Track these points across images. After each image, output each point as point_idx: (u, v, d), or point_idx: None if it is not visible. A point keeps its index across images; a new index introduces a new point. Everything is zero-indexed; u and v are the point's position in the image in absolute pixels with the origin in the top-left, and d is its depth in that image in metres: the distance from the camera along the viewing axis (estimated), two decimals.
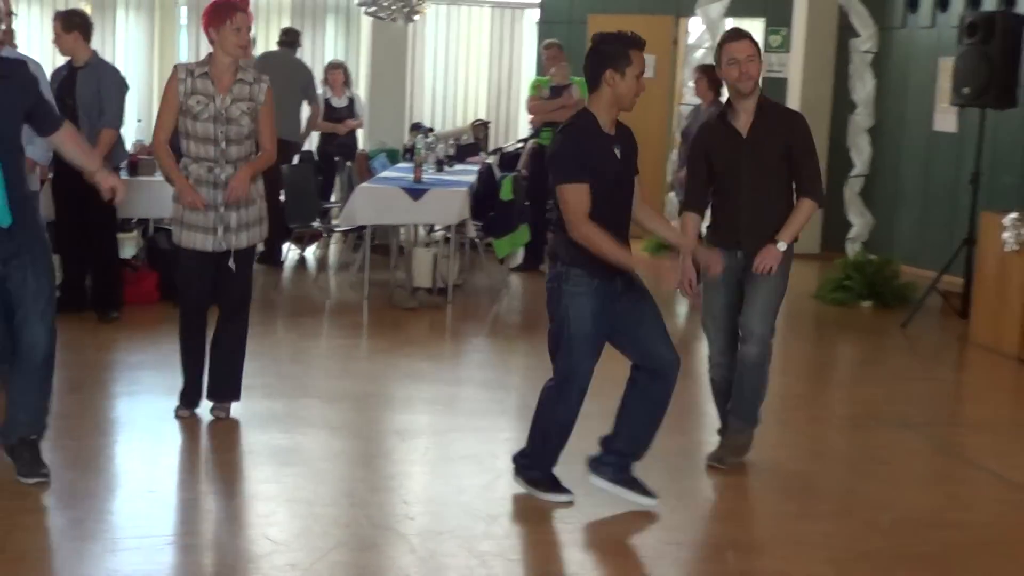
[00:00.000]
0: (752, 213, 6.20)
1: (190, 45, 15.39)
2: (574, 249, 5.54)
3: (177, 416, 6.89)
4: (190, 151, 6.65)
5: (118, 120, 9.04)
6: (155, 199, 10.29)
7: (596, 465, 5.85)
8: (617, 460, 5.81)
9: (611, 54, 5.49)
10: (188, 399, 6.95)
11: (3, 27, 5.93)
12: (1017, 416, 8.33)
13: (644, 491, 5.76)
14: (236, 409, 7.06)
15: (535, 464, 5.83)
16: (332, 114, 13.21)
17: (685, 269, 6.18)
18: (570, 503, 5.72)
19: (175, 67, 6.70)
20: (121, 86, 9.17)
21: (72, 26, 8.97)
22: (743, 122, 6.17)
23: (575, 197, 5.45)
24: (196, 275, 6.82)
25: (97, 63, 9.08)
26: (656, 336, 5.79)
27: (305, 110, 12.36)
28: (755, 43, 6.20)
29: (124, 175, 9.88)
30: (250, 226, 6.79)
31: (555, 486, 5.79)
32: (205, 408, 6.99)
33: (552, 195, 5.64)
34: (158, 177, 10.45)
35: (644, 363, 5.79)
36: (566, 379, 5.70)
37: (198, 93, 6.59)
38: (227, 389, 6.98)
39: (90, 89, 8.90)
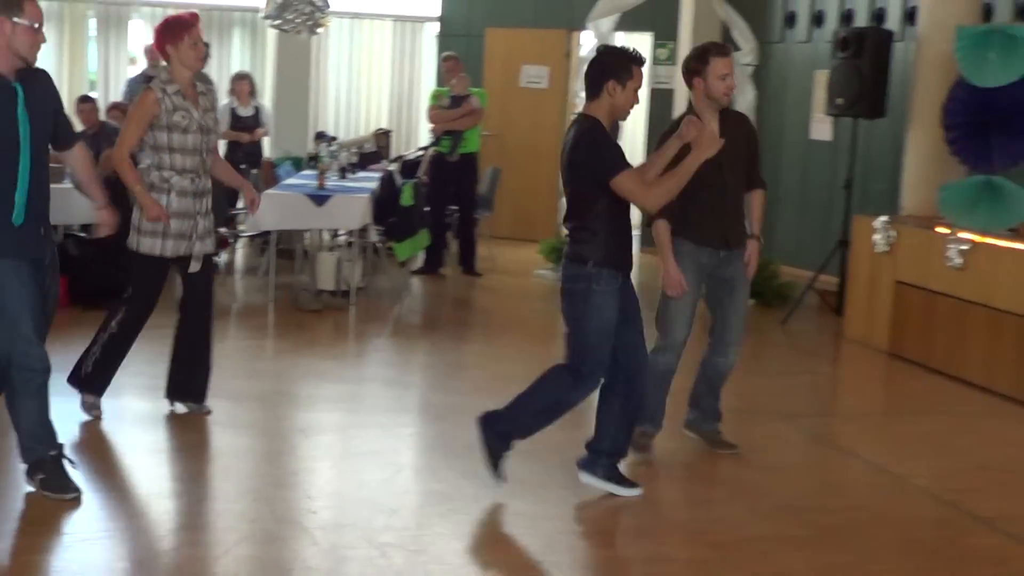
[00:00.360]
0: (735, 213, 6.45)
1: (99, 57, 15.20)
2: (604, 249, 5.66)
3: (94, 411, 6.83)
4: (175, 164, 6.60)
5: None
6: (64, 207, 10.16)
7: (586, 464, 5.97)
8: (607, 460, 5.93)
9: (614, 66, 5.65)
10: (101, 390, 6.88)
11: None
12: (887, 406, 8.50)
13: (631, 484, 5.91)
14: (146, 409, 7.00)
15: (504, 429, 5.84)
16: (238, 123, 13.09)
17: (676, 273, 6.26)
18: (502, 483, 5.80)
19: (150, 87, 6.59)
20: None
21: None
22: (714, 128, 6.26)
23: (632, 181, 5.57)
24: (159, 280, 6.82)
25: None
26: (638, 333, 5.94)
27: None
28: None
29: None
30: (211, 232, 6.87)
31: (501, 459, 5.84)
32: (116, 408, 6.93)
33: (577, 196, 5.72)
34: (67, 184, 10.35)
35: (621, 359, 5.85)
36: (591, 373, 5.77)
37: (179, 108, 6.59)
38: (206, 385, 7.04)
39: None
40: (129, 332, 6.83)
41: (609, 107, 5.68)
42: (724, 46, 6.61)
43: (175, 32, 6.59)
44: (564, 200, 5.93)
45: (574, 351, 5.76)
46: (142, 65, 13.77)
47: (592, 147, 5.61)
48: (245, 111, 13.04)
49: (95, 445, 6.56)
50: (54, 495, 5.49)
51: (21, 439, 5.57)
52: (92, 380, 6.85)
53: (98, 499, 5.74)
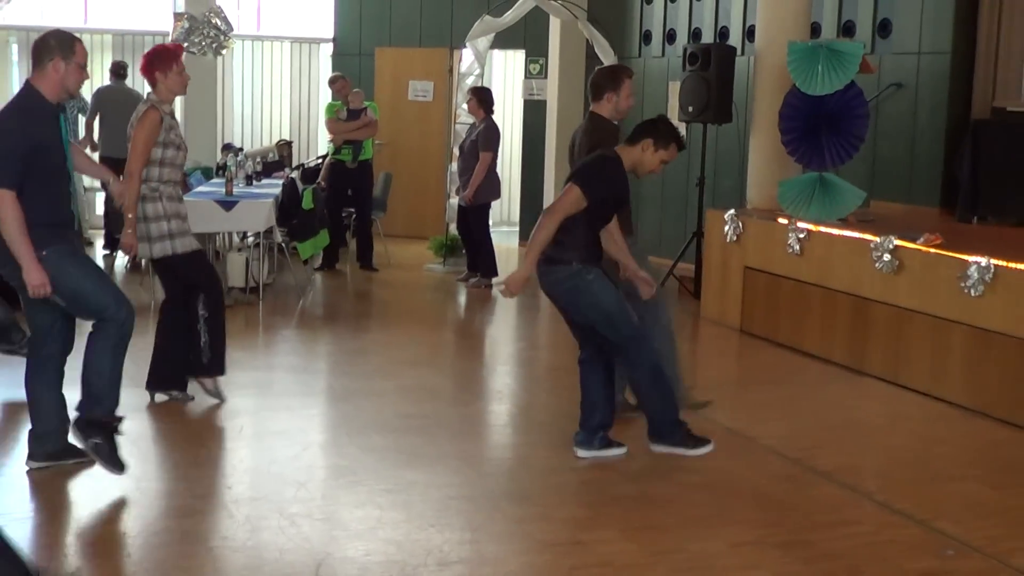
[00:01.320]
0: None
1: (20, 79, 14.83)
2: (585, 252, 5.77)
3: (221, 393, 6.98)
4: (162, 176, 6.69)
5: None
6: None
7: (583, 441, 6.07)
8: (602, 433, 6.07)
9: (661, 134, 5.92)
10: (224, 368, 7.12)
11: None
12: (739, 377, 8.62)
13: (619, 444, 6.11)
14: (70, 399, 6.84)
15: (672, 424, 5.91)
16: None
17: (642, 274, 6.20)
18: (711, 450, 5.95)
19: (156, 108, 6.63)
20: None
21: None
22: None
23: (572, 198, 5.65)
24: (204, 265, 7.03)
25: None
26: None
27: None
28: None
29: None
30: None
31: (696, 439, 5.98)
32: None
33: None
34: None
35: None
36: (635, 341, 5.82)
37: (173, 128, 6.72)
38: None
39: None
40: (220, 310, 6.97)
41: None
42: (630, 69, 6.97)
43: (166, 60, 6.75)
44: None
45: (611, 330, 5.82)
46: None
47: (596, 166, 5.83)
48: None
49: (16, 435, 6.40)
50: (105, 464, 5.49)
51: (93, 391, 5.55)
52: (213, 363, 6.98)
53: (22, 483, 5.62)
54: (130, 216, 6.55)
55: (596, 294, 5.79)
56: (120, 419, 5.64)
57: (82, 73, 5.52)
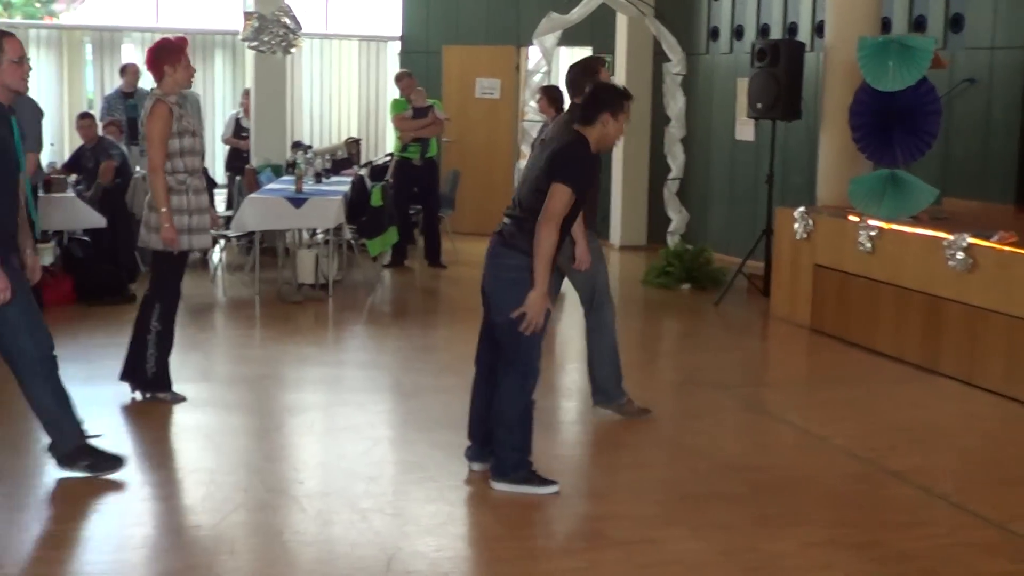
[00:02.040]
0: None
1: (95, 77, 15.06)
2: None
3: (178, 399, 6.86)
4: (187, 167, 6.68)
5: (38, 144, 8.78)
6: (68, 214, 10.10)
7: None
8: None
9: (609, 101, 5.50)
10: (168, 383, 6.94)
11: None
12: (810, 376, 8.54)
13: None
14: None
15: (519, 462, 5.50)
16: (240, 132, 13.05)
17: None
18: (556, 493, 5.49)
19: (163, 101, 6.61)
20: (36, 114, 8.91)
21: None
22: None
23: (565, 198, 5.32)
24: (182, 272, 6.90)
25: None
26: None
27: None
28: None
29: (40, 192, 9.65)
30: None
31: (541, 479, 5.53)
32: (116, 393, 6.89)
33: (543, 191, 5.36)
34: (70, 194, 10.27)
35: None
36: (530, 366, 5.48)
37: (184, 116, 6.71)
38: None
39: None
40: (171, 324, 6.87)
41: (600, 135, 5.49)
42: (603, 59, 6.67)
43: (174, 54, 6.71)
44: (520, 187, 5.72)
45: (514, 343, 5.43)
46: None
47: (576, 154, 5.44)
48: (248, 123, 12.99)
49: (99, 427, 6.51)
50: (109, 471, 5.50)
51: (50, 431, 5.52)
52: (160, 378, 6.87)
53: (107, 476, 5.71)
54: (164, 210, 6.55)
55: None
56: (92, 436, 5.62)
57: (19, 69, 5.37)
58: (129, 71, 13.19)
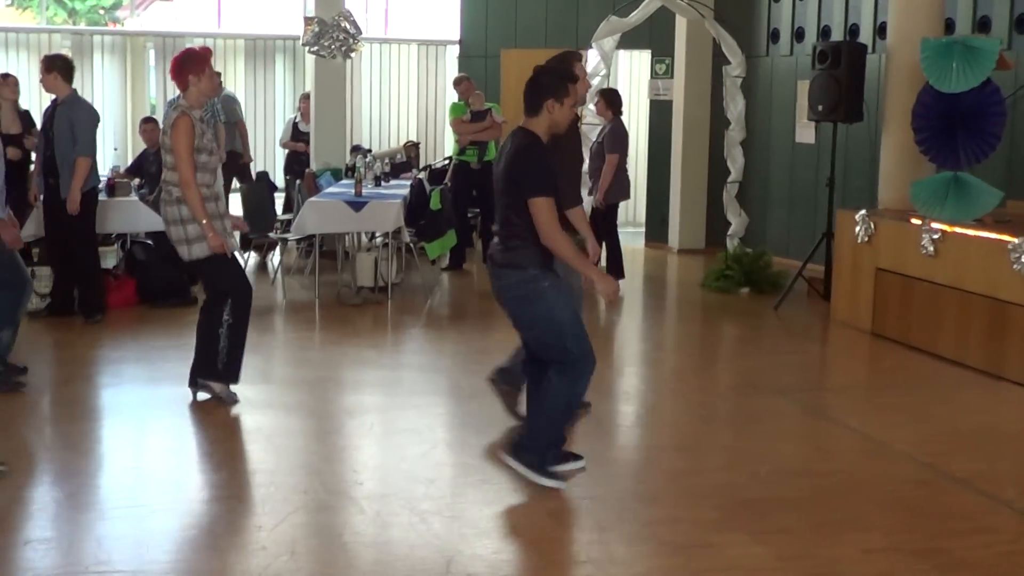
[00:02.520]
0: None
1: (158, 83, 15.25)
2: (539, 256, 5.39)
3: (234, 398, 6.92)
4: (200, 181, 6.65)
5: (90, 148, 8.91)
6: (131, 217, 10.24)
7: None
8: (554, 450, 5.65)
9: (552, 86, 5.44)
10: (238, 377, 7.01)
11: None
12: (870, 380, 8.46)
13: (576, 456, 5.75)
14: (208, 394, 7.04)
15: (541, 446, 5.54)
16: (299, 136, 13.17)
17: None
18: (583, 468, 5.63)
19: (187, 115, 6.60)
20: (92, 118, 9.05)
21: (52, 67, 8.86)
22: None
23: (548, 208, 5.28)
24: (239, 267, 7.01)
25: (73, 99, 8.95)
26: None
27: None
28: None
29: (103, 196, 9.79)
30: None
31: (565, 456, 5.63)
32: (179, 394, 6.97)
33: (512, 206, 5.37)
34: (133, 197, 10.42)
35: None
36: (582, 359, 5.45)
37: (205, 132, 6.73)
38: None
39: (64, 122, 8.80)
40: (244, 318, 6.92)
41: (549, 123, 5.44)
42: (579, 54, 6.49)
43: (198, 63, 6.72)
44: (496, 205, 5.61)
45: (555, 347, 5.43)
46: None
47: (528, 163, 5.35)
48: (306, 127, 13.09)
49: (162, 427, 6.60)
50: None
51: None
52: (229, 369, 6.93)
53: (169, 474, 5.78)
54: (204, 222, 6.58)
55: (550, 304, 5.40)
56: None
57: None
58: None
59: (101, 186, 9.79)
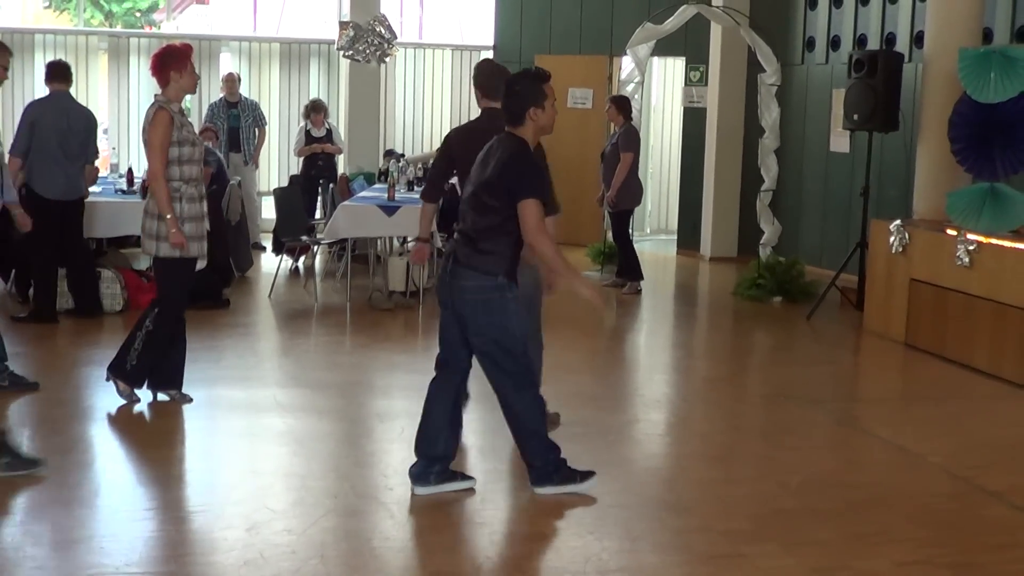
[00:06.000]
0: None
1: None
2: (509, 264, 5.33)
3: (133, 399, 6.90)
4: (183, 175, 6.68)
5: (17, 149, 8.91)
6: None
7: (418, 472, 5.54)
8: (439, 465, 5.56)
9: (528, 95, 5.38)
10: (141, 382, 6.95)
11: None
12: (904, 392, 8.41)
13: (465, 477, 5.65)
14: (239, 398, 7.06)
15: (557, 463, 5.53)
16: (312, 142, 13.21)
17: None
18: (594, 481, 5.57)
19: (164, 108, 6.63)
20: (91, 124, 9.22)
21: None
22: None
23: (538, 210, 5.24)
24: (191, 279, 6.89)
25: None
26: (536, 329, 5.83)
27: None
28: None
29: (137, 198, 9.84)
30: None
31: (580, 472, 5.57)
32: (210, 397, 6.99)
33: (497, 210, 5.27)
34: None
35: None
36: (530, 368, 5.47)
37: (184, 124, 6.75)
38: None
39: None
40: (167, 328, 6.83)
41: (535, 130, 5.41)
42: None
43: (180, 60, 6.72)
44: (466, 201, 5.42)
45: (509, 358, 5.36)
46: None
47: (522, 166, 5.29)
48: (318, 132, 13.12)
49: (193, 430, 6.62)
50: (25, 471, 5.53)
51: None
52: (136, 374, 6.88)
53: (200, 478, 5.80)
54: (169, 216, 6.57)
55: (510, 316, 5.31)
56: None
57: None
58: (230, 80, 13.40)
59: (135, 187, 9.86)
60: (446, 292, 5.43)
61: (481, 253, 5.30)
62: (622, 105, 11.57)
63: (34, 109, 9.12)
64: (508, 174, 5.28)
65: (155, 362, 6.86)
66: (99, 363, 8.02)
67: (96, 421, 6.67)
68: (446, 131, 16.07)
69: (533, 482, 5.52)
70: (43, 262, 9.03)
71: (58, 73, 9.10)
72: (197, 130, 12.01)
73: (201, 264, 6.87)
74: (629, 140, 11.34)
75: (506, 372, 5.42)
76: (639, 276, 11.51)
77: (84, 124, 9.17)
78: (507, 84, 5.50)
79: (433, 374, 5.66)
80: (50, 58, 12.14)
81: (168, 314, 6.83)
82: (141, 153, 12.92)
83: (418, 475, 5.50)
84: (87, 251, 9.57)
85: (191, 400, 6.96)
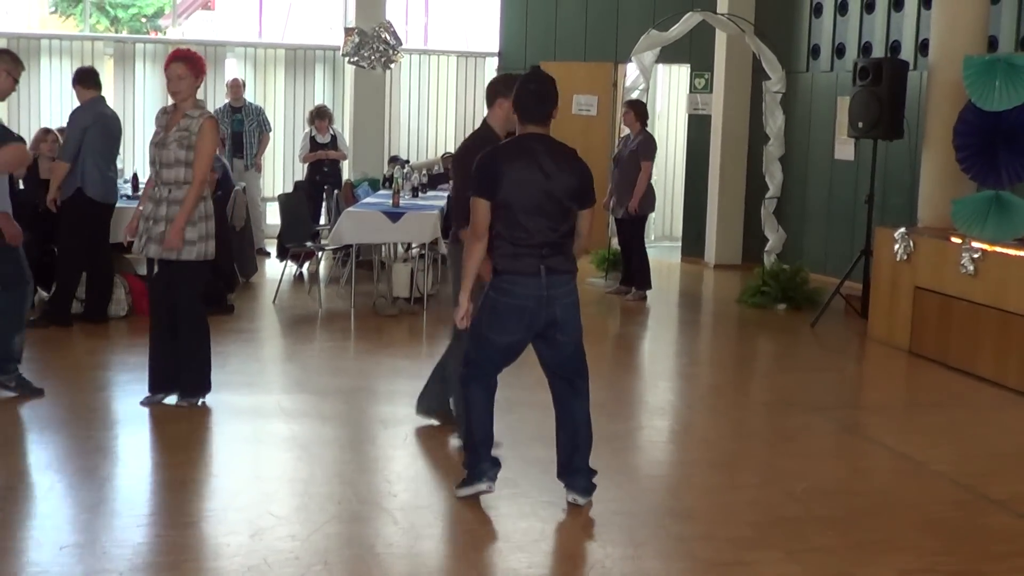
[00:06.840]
0: None
1: (199, 91, 15.34)
2: (492, 261, 5.43)
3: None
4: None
5: (67, 155, 9.11)
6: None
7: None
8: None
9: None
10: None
11: None
12: (908, 399, 8.40)
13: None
14: (243, 403, 7.06)
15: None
16: (317, 148, 13.23)
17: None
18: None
19: (213, 118, 7.10)
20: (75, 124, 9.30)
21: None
22: None
23: (478, 210, 5.39)
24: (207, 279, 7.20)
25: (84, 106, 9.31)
26: None
27: None
28: None
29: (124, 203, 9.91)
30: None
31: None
32: (215, 402, 7.00)
33: (567, 212, 5.56)
34: None
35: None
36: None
37: (158, 132, 7.14)
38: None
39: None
40: (205, 323, 7.05)
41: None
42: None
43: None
44: (543, 214, 5.49)
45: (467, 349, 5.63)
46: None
47: (468, 162, 5.58)
48: (323, 139, 13.13)
49: (197, 436, 6.62)
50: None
51: None
52: (205, 379, 7.07)
53: (203, 483, 5.80)
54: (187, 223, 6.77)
55: (480, 309, 5.47)
56: None
57: None
58: (235, 85, 13.44)
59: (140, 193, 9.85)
60: (541, 317, 5.43)
61: (567, 258, 5.47)
62: (640, 110, 11.54)
63: (83, 114, 9.24)
64: (588, 180, 5.71)
65: (208, 355, 7.01)
66: (105, 368, 8.05)
67: (100, 426, 6.67)
68: (451, 137, 16.24)
69: (586, 490, 5.49)
70: (78, 265, 9.21)
71: (92, 79, 9.34)
72: None
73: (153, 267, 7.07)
74: (649, 148, 11.35)
75: (584, 371, 5.64)
76: (648, 284, 11.50)
77: (119, 129, 9.54)
78: (522, 85, 5.71)
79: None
80: (56, 63, 12.19)
81: (197, 312, 6.95)
82: (145, 159, 12.95)
83: (586, 488, 5.50)
84: (110, 256, 9.60)
85: (200, 404, 7.01)
